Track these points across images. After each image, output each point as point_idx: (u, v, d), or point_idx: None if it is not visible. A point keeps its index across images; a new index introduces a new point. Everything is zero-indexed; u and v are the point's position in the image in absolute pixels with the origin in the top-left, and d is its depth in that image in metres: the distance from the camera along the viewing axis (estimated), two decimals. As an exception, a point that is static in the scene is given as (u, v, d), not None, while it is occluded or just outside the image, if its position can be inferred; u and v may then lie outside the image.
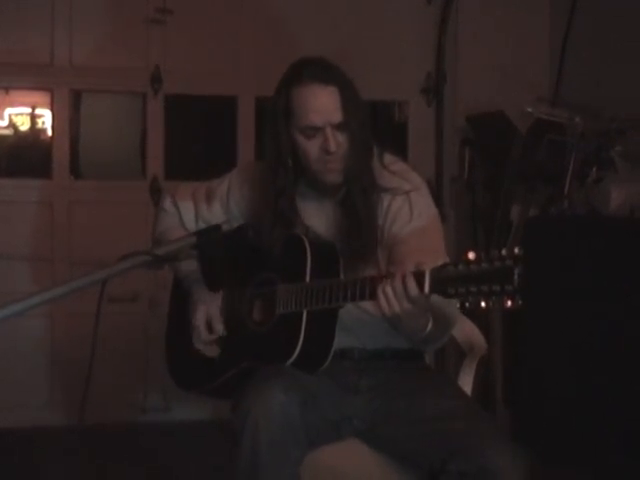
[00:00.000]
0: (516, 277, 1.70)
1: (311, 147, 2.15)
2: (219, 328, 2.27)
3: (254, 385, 2.04)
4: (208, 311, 2.28)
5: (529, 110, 4.01)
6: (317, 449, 2.13)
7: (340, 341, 2.15)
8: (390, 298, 1.88)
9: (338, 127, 2.13)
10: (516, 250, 1.71)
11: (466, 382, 2.39)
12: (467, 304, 1.77)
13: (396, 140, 4.69)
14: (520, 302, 1.71)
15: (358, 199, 2.17)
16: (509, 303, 1.72)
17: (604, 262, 3.42)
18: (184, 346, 2.41)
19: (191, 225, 2.43)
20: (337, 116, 2.12)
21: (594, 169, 3.69)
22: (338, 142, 2.13)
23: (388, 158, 2.27)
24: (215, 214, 2.38)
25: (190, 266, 2.35)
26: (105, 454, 3.78)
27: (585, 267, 3.50)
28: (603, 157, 3.69)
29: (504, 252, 1.72)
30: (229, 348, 2.28)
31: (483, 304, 1.75)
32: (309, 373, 2.11)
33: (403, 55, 4.57)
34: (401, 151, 4.58)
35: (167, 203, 2.50)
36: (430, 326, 2.01)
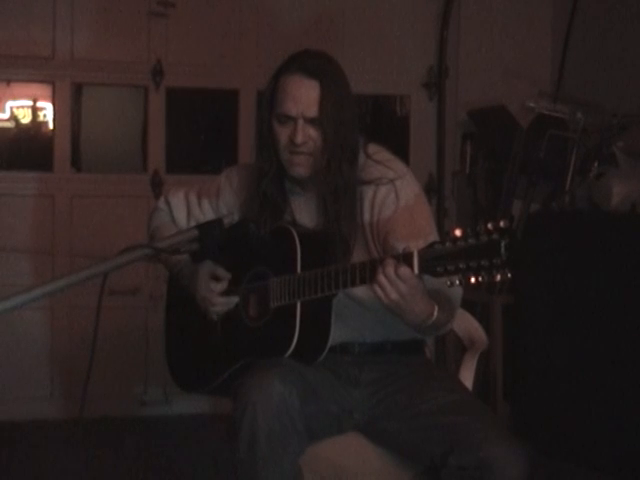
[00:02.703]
0: (503, 250, 1.69)
1: (281, 134, 2.17)
2: (224, 273, 2.25)
3: (253, 376, 2.04)
4: (206, 267, 2.26)
5: (531, 105, 4.01)
6: (318, 443, 2.13)
7: (340, 335, 2.15)
8: (385, 286, 1.87)
9: (312, 122, 2.14)
10: (502, 223, 1.70)
11: (467, 376, 2.39)
12: (457, 281, 1.76)
13: (397, 134, 4.69)
14: (509, 275, 1.70)
15: (330, 197, 2.16)
16: (498, 277, 1.71)
17: (605, 257, 3.42)
18: (184, 348, 2.42)
19: (182, 223, 2.44)
20: (312, 110, 2.13)
21: (596, 164, 3.68)
22: (308, 135, 2.14)
23: (372, 148, 2.26)
24: (205, 214, 2.39)
25: (181, 258, 2.36)
26: (105, 447, 3.78)
27: (586, 262, 3.50)
28: (605, 152, 3.69)
29: (490, 226, 1.71)
30: (227, 346, 2.28)
31: (473, 280, 1.73)
32: (308, 364, 2.11)
33: (405, 49, 4.56)
34: (402, 145, 4.59)
35: (160, 202, 2.53)
36: (436, 313, 2.00)
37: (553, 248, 3.60)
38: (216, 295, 2.26)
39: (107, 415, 4.09)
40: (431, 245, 1.81)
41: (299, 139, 2.13)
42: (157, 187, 4.33)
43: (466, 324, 2.45)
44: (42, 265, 4.24)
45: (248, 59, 4.42)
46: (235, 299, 2.26)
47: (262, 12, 4.42)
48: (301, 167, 2.17)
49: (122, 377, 4.26)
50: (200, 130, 4.80)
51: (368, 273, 1.92)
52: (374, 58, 4.45)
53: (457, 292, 2.12)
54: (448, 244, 1.77)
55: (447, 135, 4.59)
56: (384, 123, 4.91)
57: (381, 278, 1.87)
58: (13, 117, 4.47)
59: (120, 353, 4.18)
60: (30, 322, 4.18)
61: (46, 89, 4.40)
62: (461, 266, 1.74)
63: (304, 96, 2.13)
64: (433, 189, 4.57)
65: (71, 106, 4.38)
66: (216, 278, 2.26)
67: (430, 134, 4.62)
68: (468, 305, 2.17)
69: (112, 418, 4.14)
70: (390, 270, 1.86)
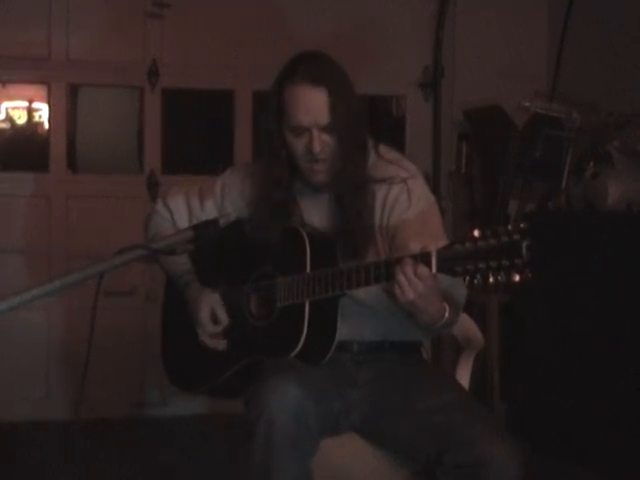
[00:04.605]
0: (524, 251, 1.70)
1: (298, 145, 2.18)
2: (223, 318, 2.27)
3: (268, 379, 2.03)
4: (210, 304, 2.28)
5: (526, 105, 4.01)
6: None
7: (339, 333, 2.15)
8: (403, 285, 1.88)
9: (325, 129, 2.15)
10: (522, 224, 1.72)
11: (463, 376, 2.39)
12: (475, 281, 1.77)
13: (394, 134, 4.69)
14: (530, 275, 1.71)
15: (349, 197, 2.18)
16: (517, 277, 1.72)
17: (601, 257, 3.43)
18: (183, 347, 2.41)
19: (184, 225, 2.40)
20: (324, 118, 2.14)
21: (591, 164, 3.69)
22: (324, 143, 2.15)
23: (383, 148, 2.29)
24: (208, 213, 2.37)
25: (183, 265, 2.37)
26: (102, 449, 3.78)
27: (582, 262, 3.50)
28: (600, 152, 3.69)
29: (510, 227, 1.72)
30: (230, 344, 2.28)
31: (491, 280, 1.75)
32: (313, 364, 2.11)
33: (401, 49, 4.57)
34: (399, 146, 4.58)
35: (159, 206, 2.49)
36: (447, 314, 2.01)
37: (549, 248, 3.61)
38: (208, 337, 2.29)
39: (104, 416, 4.09)
40: (450, 244, 1.83)
41: (317, 148, 2.15)
42: (153, 188, 4.33)
43: (462, 324, 2.45)
44: (38, 266, 4.23)
45: (243, 59, 4.41)
46: (224, 344, 2.27)
47: (258, 13, 4.42)
48: (321, 174, 2.20)
49: (119, 378, 4.25)
50: (196, 131, 4.81)
51: (383, 272, 1.93)
52: (370, 58, 4.45)
53: (463, 293, 2.13)
54: (468, 244, 1.78)
55: (443, 135, 4.59)
56: (380, 124, 4.91)
57: (400, 277, 1.88)
58: (8, 118, 4.47)
59: (117, 354, 4.17)
60: (27, 323, 4.16)
61: (42, 90, 4.41)
62: (481, 266, 1.75)
63: (314, 105, 2.14)
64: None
65: (67, 107, 4.38)
66: (215, 320, 2.28)
67: (426, 134, 4.63)
68: (464, 304, 2.18)
69: (109, 419, 4.13)
70: (409, 269, 1.87)
